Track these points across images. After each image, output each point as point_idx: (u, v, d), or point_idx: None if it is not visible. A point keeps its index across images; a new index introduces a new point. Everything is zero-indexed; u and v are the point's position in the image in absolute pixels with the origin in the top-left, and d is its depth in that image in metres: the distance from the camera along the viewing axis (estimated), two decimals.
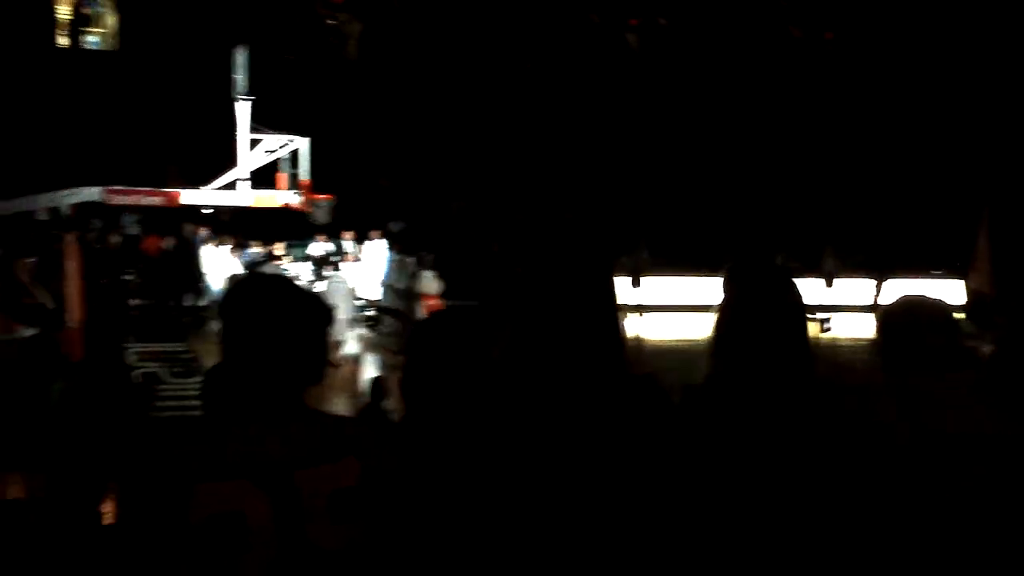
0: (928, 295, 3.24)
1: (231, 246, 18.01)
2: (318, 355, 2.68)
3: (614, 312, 2.55)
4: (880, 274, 22.26)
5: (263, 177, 15.99)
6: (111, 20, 24.13)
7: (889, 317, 3.20)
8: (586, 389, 2.43)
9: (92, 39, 23.65)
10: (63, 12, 23.16)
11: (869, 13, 26.92)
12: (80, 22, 23.59)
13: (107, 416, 9.66)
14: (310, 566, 2.44)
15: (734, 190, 25.23)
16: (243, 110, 15.58)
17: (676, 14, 27.62)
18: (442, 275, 16.10)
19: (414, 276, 15.98)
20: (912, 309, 3.18)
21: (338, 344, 16.12)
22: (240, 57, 15.73)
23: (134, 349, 16.30)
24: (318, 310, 2.68)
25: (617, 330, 2.55)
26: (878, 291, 22.29)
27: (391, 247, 18.46)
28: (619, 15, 27.55)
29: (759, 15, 27.21)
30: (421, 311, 15.28)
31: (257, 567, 2.40)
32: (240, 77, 15.61)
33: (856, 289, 22.52)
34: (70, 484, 9.21)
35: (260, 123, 15.96)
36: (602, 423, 2.40)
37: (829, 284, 21.83)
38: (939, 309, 3.17)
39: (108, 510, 7.51)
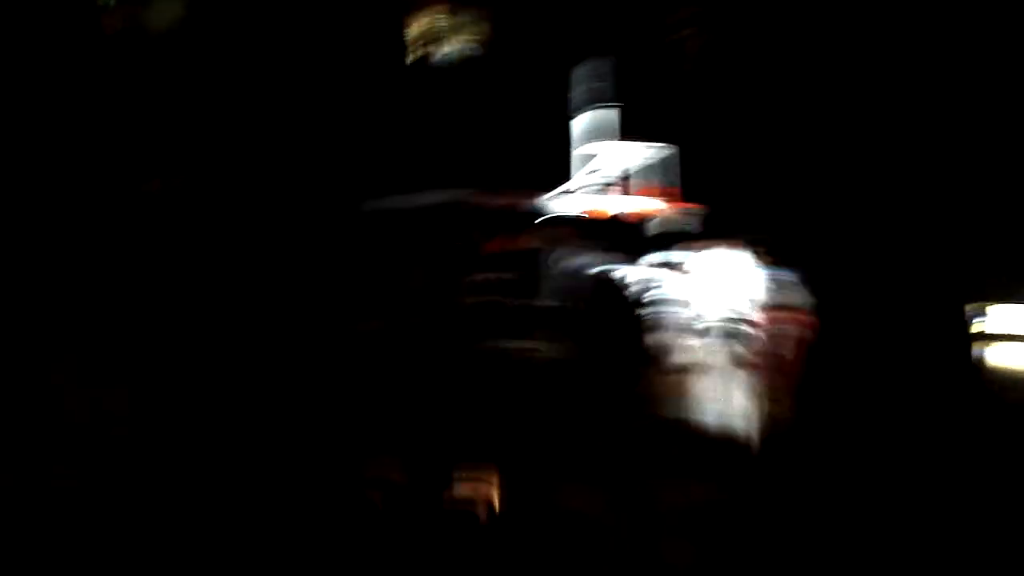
0: None
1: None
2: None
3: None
4: None
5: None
6: (469, 33, 25.30)
7: None
8: None
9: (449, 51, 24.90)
10: (421, 26, 24.54)
11: None
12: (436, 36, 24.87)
13: None
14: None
15: None
16: (611, 117, 15.70)
17: None
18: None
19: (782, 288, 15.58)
20: None
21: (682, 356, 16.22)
22: (605, 66, 15.92)
23: None
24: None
25: None
26: None
27: (758, 255, 18.04)
28: None
29: None
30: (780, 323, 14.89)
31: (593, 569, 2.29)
32: (605, 84, 15.80)
33: None
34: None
35: (630, 134, 16.10)
36: None
37: None
38: None
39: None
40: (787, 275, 17.28)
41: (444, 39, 25.34)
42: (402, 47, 23.51)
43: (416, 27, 25.01)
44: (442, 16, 24.75)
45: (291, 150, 20.00)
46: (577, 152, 15.75)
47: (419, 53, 24.64)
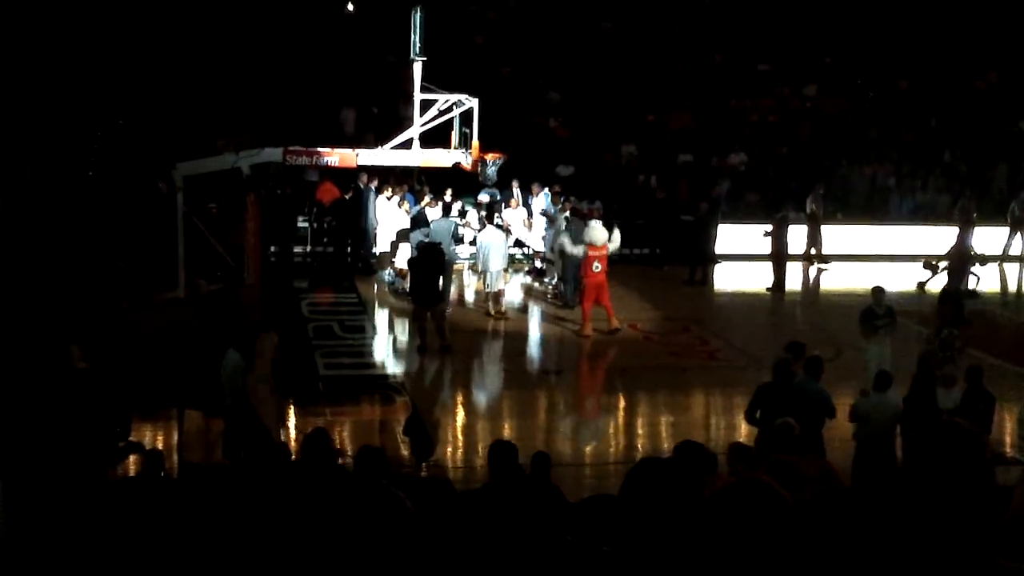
0: None
1: (400, 196, 18.86)
2: None
3: None
4: None
5: (439, 135, 16.40)
6: None
7: None
8: None
9: None
10: None
11: None
12: None
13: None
14: None
15: None
16: (416, 71, 15.99)
17: None
18: (610, 225, 16.19)
19: (582, 227, 16.15)
20: None
21: (497, 295, 16.75)
22: (416, 17, 16.08)
23: (307, 301, 17.35)
24: None
25: None
26: None
27: (556, 194, 18.84)
28: None
29: None
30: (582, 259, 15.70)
31: None
32: (415, 38, 15.99)
33: None
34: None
35: (433, 83, 16.35)
36: None
37: None
38: None
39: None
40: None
41: None
42: None
43: None
44: None
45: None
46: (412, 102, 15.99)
47: None
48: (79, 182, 18.50)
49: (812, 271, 20.73)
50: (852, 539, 5.08)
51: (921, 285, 18.48)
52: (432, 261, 14.67)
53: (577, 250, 15.84)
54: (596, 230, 15.86)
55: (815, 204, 20.97)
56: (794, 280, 19.58)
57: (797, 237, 20.03)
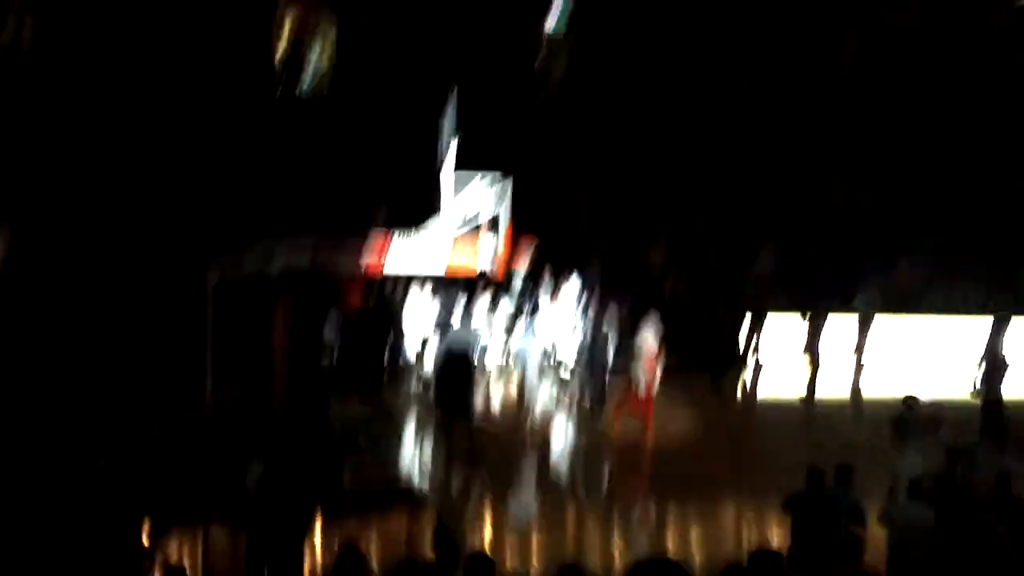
0: None
1: (432, 289, 18.69)
2: None
3: None
4: None
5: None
6: (325, 59, 25.43)
7: None
8: None
9: (306, 79, 25.00)
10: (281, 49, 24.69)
11: None
12: (295, 63, 24.92)
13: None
14: None
15: None
16: (450, 153, 16.02)
17: None
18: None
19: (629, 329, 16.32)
20: None
21: (531, 404, 16.51)
22: (450, 98, 16.21)
23: (333, 409, 16.85)
24: None
25: None
26: None
27: (586, 289, 18.77)
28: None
29: None
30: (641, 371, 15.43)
31: None
32: (448, 119, 16.12)
33: None
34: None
35: (467, 164, 16.31)
36: None
37: None
38: None
39: None
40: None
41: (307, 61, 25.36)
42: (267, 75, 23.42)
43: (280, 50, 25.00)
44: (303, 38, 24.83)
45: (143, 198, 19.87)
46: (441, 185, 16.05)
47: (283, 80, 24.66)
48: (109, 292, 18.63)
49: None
50: None
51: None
52: (459, 373, 14.57)
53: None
54: (646, 331, 15.66)
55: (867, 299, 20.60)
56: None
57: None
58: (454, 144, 15.91)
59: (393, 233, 17.22)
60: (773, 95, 26.29)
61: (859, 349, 20.04)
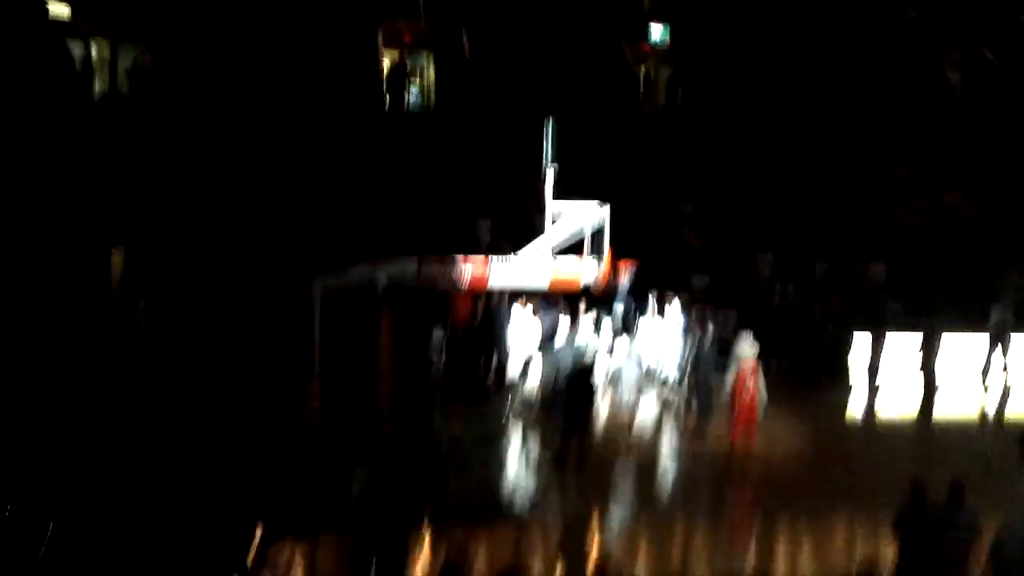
0: None
1: (533, 308, 18.71)
2: None
3: None
4: None
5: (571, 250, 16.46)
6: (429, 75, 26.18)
7: None
8: None
9: (413, 95, 25.79)
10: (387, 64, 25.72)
11: None
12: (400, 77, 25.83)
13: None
14: None
15: None
16: (549, 178, 16.17)
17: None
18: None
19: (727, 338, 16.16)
20: None
21: (631, 420, 16.52)
22: (548, 126, 16.36)
23: (439, 417, 17.07)
24: None
25: None
26: None
27: (690, 306, 18.73)
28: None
29: None
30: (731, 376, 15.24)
31: None
32: (548, 146, 16.26)
33: None
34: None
35: (566, 189, 16.51)
36: None
37: None
38: None
39: None
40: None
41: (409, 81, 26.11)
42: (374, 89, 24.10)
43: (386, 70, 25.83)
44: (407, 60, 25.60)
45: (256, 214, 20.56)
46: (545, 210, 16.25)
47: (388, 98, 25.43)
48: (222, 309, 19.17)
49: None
50: None
51: None
52: (581, 390, 15.08)
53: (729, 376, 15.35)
54: (745, 341, 15.45)
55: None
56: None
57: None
58: (551, 173, 16.08)
59: (498, 253, 17.44)
60: (883, 106, 26.01)
61: (985, 369, 19.73)
